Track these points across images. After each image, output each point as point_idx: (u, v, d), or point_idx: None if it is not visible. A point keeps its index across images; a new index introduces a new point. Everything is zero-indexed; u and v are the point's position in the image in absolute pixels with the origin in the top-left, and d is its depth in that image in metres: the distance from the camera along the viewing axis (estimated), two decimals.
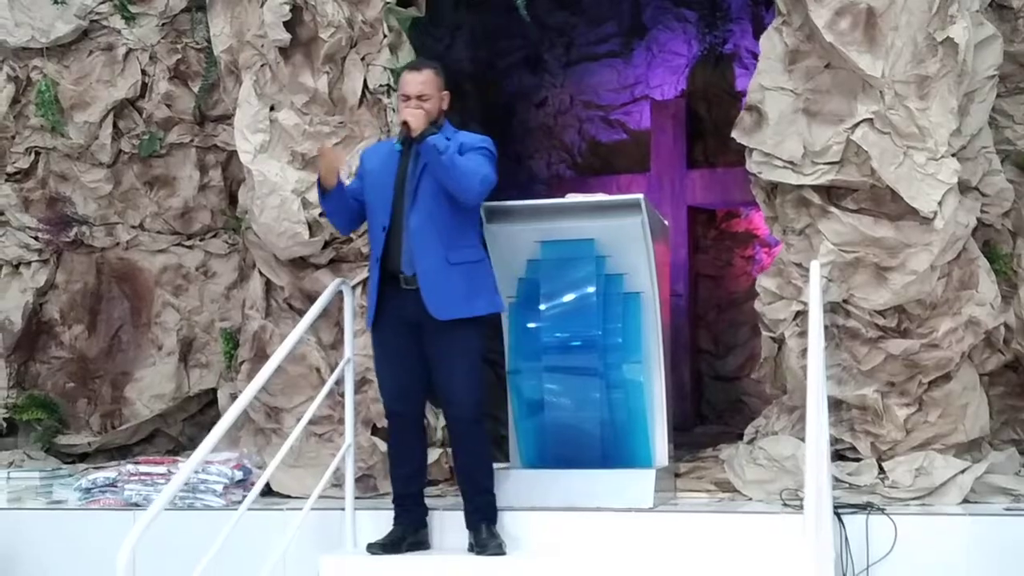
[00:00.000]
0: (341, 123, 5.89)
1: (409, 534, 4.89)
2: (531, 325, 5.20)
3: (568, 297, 5.19)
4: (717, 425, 8.29)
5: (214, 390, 6.74)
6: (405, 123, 4.70)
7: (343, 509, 5.12)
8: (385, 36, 5.91)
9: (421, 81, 4.82)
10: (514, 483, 5.17)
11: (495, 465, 5.16)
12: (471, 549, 4.78)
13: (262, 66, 5.97)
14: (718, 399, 8.74)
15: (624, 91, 9.07)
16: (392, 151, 4.93)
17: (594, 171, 9.01)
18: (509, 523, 4.94)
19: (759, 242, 8.72)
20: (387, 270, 4.80)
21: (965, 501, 5.03)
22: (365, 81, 5.91)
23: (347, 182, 5.06)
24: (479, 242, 4.96)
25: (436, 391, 4.93)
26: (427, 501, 5.14)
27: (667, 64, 8.97)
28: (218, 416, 6.38)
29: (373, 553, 4.80)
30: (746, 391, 8.49)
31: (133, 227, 6.97)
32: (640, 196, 5.12)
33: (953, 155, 5.06)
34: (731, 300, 8.80)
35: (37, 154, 6.98)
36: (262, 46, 5.94)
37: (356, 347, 5.62)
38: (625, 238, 5.14)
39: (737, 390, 8.64)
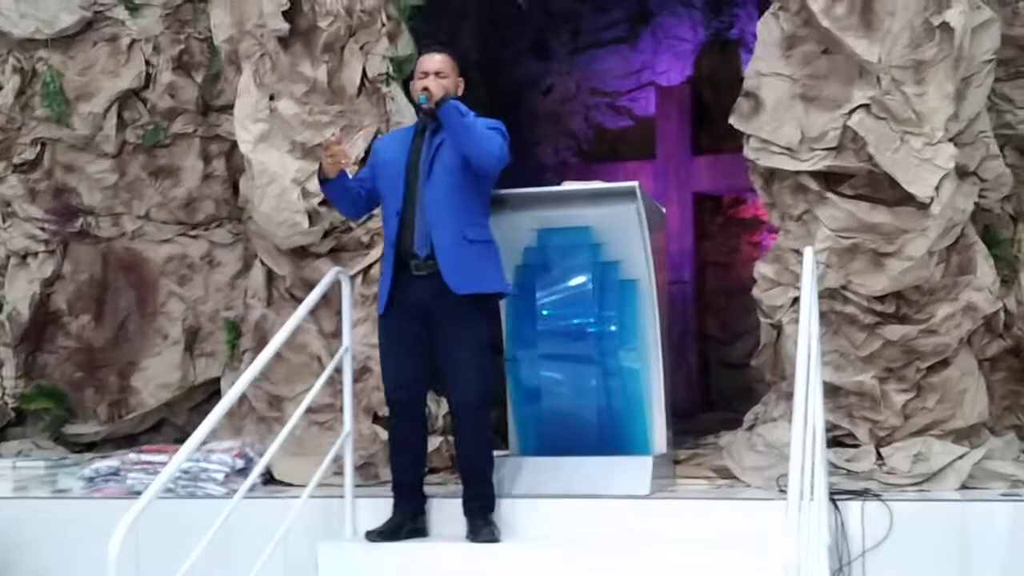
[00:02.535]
0: (340, 112, 5.91)
1: (408, 521, 4.91)
2: (528, 313, 5.20)
3: (564, 285, 5.20)
4: (725, 412, 8.27)
5: (219, 379, 6.77)
6: (426, 89, 4.77)
7: (343, 497, 5.15)
8: (384, 25, 5.94)
9: (439, 59, 4.90)
10: (512, 470, 5.18)
11: (497, 453, 5.19)
12: (468, 537, 4.80)
13: (261, 56, 5.99)
14: (726, 385, 8.73)
15: (630, 77, 9.07)
16: (405, 135, 5.01)
17: (600, 158, 9.02)
18: (506, 510, 4.96)
19: (766, 228, 8.71)
20: (400, 253, 4.83)
21: (963, 487, 5.02)
22: (364, 70, 5.94)
23: (351, 172, 5.10)
24: (489, 224, 4.97)
25: (442, 377, 4.94)
26: (427, 489, 5.17)
27: (673, 50, 8.97)
28: None
29: (372, 540, 4.84)
30: (755, 378, 8.41)
31: (139, 217, 7.00)
32: (635, 184, 5.12)
33: (950, 140, 5.04)
34: (739, 286, 8.77)
35: (43, 145, 7.02)
36: (262, 36, 5.96)
37: (356, 336, 5.66)
38: (621, 225, 5.14)
39: (746, 376, 8.57)
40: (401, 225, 4.82)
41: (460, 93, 4.93)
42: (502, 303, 5.36)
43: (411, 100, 5.72)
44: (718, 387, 8.75)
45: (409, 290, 4.82)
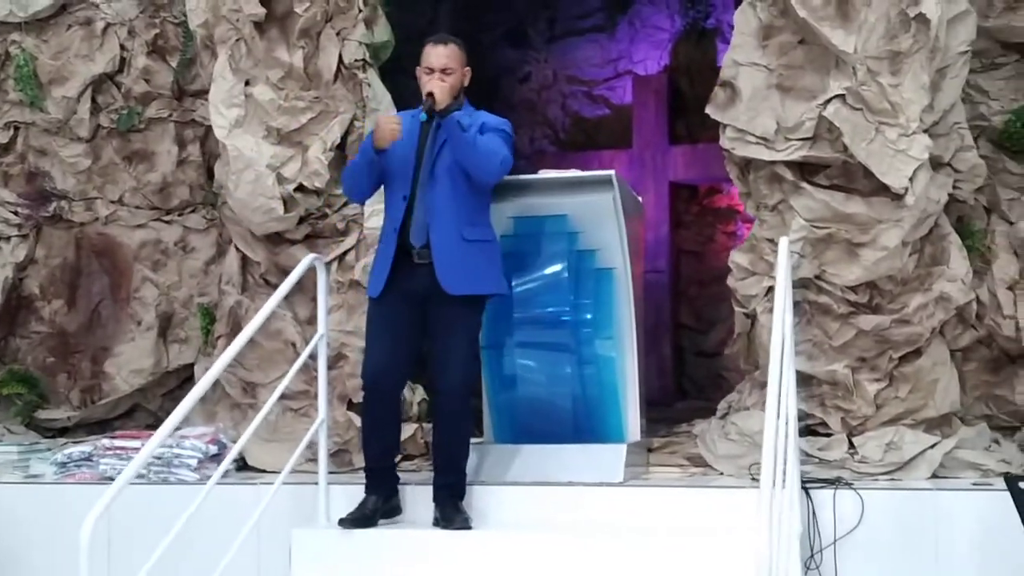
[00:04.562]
0: (316, 98, 5.89)
1: (381, 503, 4.89)
2: (504, 301, 5.19)
3: (540, 273, 5.20)
4: (698, 400, 8.31)
5: (193, 365, 6.74)
6: (431, 94, 4.64)
7: (317, 484, 5.14)
8: (360, 10, 5.92)
9: (446, 55, 4.78)
10: (487, 458, 5.19)
11: (472, 440, 5.19)
12: (436, 523, 4.80)
13: (237, 40, 5.95)
14: (699, 374, 8.76)
15: (607, 66, 9.06)
16: (413, 122, 4.86)
17: (577, 147, 9.01)
18: (480, 497, 4.96)
19: (741, 218, 8.73)
20: (403, 239, 4.76)
21: (934, 476, 5.06)
22: (340, 56, 5.91)
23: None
24: (491, 223, 4.93)
25: (430, 364, 4.90)
26: (401, 475, 5.16)
27: (650, 39, 8.96)
28: None
29: (345, 528, 4.81)
30: (727, 366, 8.43)
31: (112, 202, 6.95)
32: (611, 172, 5.12)
33: (925, 131, 5.06)
34: (713, 276, 8.81)
35: (16, 129, 6.97)
36: (237, 20, 5.92)
37: (331, 323, 5.64)
38: (597, 214, 5.14)
39: (718, 365, 8.62)
40: (407, 210, 4.76)
41: (467, 83, 4.87)
42: None
43: (387, 87, 5.75)
44: (691, 376, 8.78)
45: (408, 277, 4.78)
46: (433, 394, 5.00)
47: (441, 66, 4.74)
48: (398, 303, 4.81)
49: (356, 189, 4.99)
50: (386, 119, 4.75)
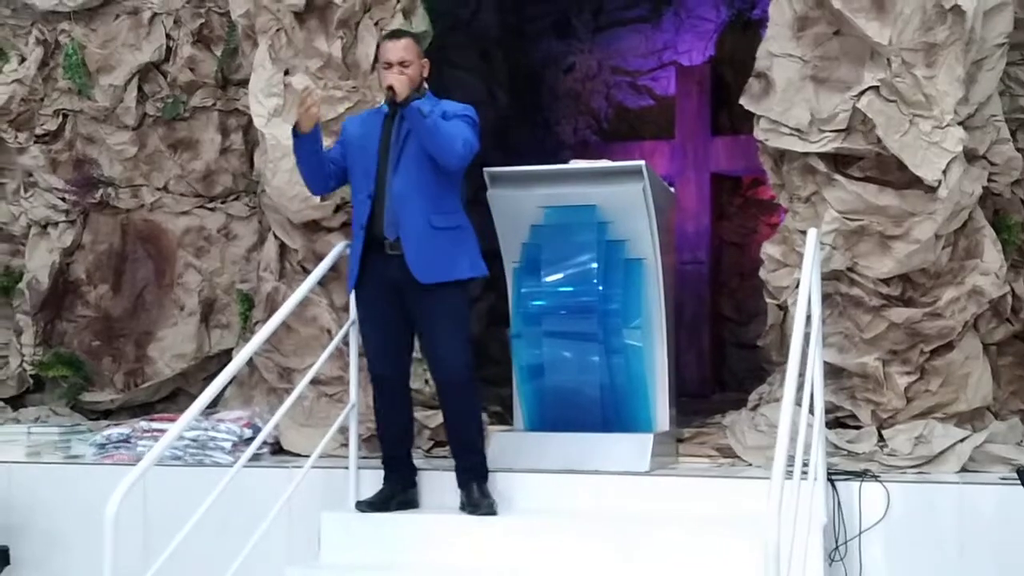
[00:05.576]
0: (354, 88, 5.94)
1: (398, 493, 4.99)
2: (533, 290, 5.24)
3: (569, 262, 5.22)
4: (737, 392, 8.26)
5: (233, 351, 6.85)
6: (390, 87, 4.75)
7: (347, 468, 5.22)
8: (399, 1, 5.96)
9: (402, 47, 4.90)
10: (515, 445, 5.24)
11: (501, 428, 5.23)
12: (463, 508, 4.86)
13: (277, 31, 6.03)
14: (740, 366, 8.71)
15: (652, 56, 9.04)
16: (374, 118, 5.02)
17: (620, 137, 9.00)
18: (506, 484, 5.01)
19: (784, 210, 8.65)
20: (372, 236, 4.86)
21: (964, 470, 5.03)
22: (378, 46, 5.95)
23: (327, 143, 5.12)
24: (461, 208, 4.98)
25: (424, 357, 4.98)
26: (434, 462, 5.21)
27: (695, 29, 8.93)
28: (235, 377, 6.50)
29: (362, 511, 4.92)
30: (767, 359, 8.44)
31: (157, 189, 7.07)
32: (641, 163, 5.14)
33: (960, 124, 5.02)
34: (755, 268, 8.67)
35: (65, 116, 7.11)
36: (278, 11, 6.00)
37: None
38: (627, 205, 5.17)
39: (758, 357, 8.57)
40: (372, 209, 4.85)
41: (426, 74, 4.97)
42: (508, 279, 5.41)
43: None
44: (731, 368, 8.74)
45: (382, 269, 4.86)
46: (434, 384, 5.07)
47: (398, 59, 4.85)
48: (378, 294, 4.91)
49: (307, 180, 5.09)
50: (307, 104, 4.77)
